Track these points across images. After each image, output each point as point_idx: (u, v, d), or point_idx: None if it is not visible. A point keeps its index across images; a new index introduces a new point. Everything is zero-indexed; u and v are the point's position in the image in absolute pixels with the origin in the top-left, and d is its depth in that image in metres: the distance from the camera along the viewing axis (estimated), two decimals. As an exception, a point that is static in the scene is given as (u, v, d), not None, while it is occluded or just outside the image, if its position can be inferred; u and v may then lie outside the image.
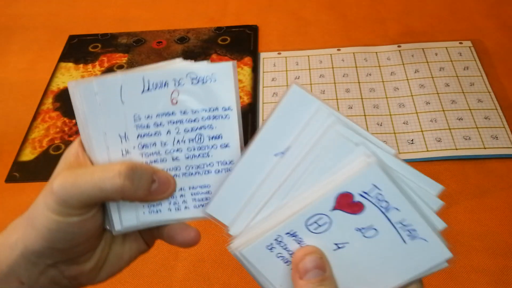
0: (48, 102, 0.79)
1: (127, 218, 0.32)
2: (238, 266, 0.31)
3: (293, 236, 0.29)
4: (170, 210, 0.33)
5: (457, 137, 0.67)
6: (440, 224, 0.29)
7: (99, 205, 0.31)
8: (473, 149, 0.66)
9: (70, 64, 0.85)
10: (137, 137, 0.31)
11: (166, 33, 0.89)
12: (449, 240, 0.59)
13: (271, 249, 0.29)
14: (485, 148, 0.66)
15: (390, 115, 0.72)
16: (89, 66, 0.84)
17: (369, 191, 0.28)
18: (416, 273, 0.29)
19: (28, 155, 0.72)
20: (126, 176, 0.28)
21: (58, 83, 0.82)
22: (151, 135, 0.32)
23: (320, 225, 0.29)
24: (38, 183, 0.68)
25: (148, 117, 0.31)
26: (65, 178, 0.29)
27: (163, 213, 0.33)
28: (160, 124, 0.31)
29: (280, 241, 0.29)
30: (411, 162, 0.65)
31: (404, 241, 0.28)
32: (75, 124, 0.75)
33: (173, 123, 0.32)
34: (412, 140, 0.68)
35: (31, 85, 0.82)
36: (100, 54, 0.86)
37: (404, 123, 0.70)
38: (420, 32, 0.84)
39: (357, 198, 0.28)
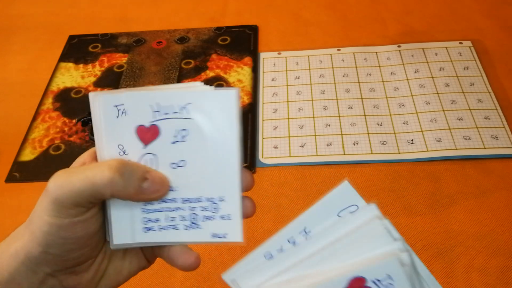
0: (48, 102, 0.79)
1: (124, 234, 0.32)
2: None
3: None
4: (169, 230, 0.32)
5: (457, 137, 0.67)
6: None
7: (92, 211, 0.30)
8: (473, 149, 0.66)
9: (70, 64, 0.85)
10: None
11: (166, 33, 0.89)
12: (449, 240, 0.60)
13: None
14: (485, 148, 0.66)
15: (390, 115, 0.72)
16: (89, 66, 0.84)
17: (382, 279, 0.29)
18: None
19: (28, 155, 0.72)
20: (117, 170, 0.29)
21: (58, 83, 0.82)
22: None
23: None
24: (38, 183, 0.68)
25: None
26: (58, 176, 0.29)
27: (161, 233, 0.32)
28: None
29: None
30: (411, 162, 0.65)
31: None
32: (75, 124, 0.75)
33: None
34: (412, 140, 0.68)
35: (31, 85, 0.82)
36: (100, 54, 0.86)
37: (404, 123, 0.70)
38: (420, 32, 0.84)
39: (369, 283, 0.29)
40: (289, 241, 0.31)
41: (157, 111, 0.31)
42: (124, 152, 0.32)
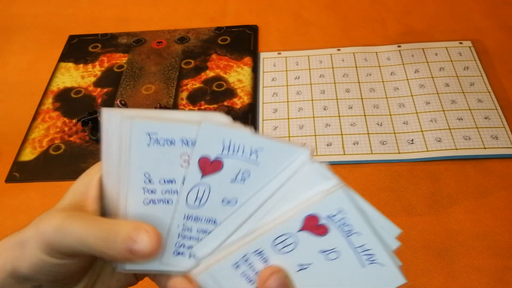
0: (48, 102, 0.79)
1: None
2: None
3: (260, 254, 0.30)
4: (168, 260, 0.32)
5: (457, 137, 0.67)
6: (397, 261, 0.31)
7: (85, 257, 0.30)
8: (473, 149, 0.66)
9: (70, 64, 0.85)
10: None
11: (166, 33, 0.89)
12: (449, 240, 0.60)
13: (237, 267, 0.30)
14: (485, 148, 0.66)
15: (390, 115, 0.72)
16: (89, 66, 0.84)
17: (334, 214, 0.29)
18: None
19: (28, 155, 0.72)
20: (105, 238, 0.28)
21: (58, 83, 0.82)
22: None
23: (286, 245, 0.30)
24: (38, 183, 0.68)
25: None
26: (55, 225, 0.28)
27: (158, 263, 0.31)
28: None
29: (246, 259, 0.30)
30: (411, 162, 0.65)
31: (363, 265, 0.30)
32: (75, 124, 0.75)
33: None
34: (412, 140, 0.68)
35: (31, 85, 0.82)
36: (100, 54, 0.86)
37: (404, 123, 0.70)
38: (420, 32, 0.84)
39: (323, 221, 0.29)
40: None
41: (227, 147, 0.30)
42: (150, 181, 0.31)
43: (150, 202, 0.31)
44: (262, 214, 0.30)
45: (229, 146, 0.30)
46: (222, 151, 0.30)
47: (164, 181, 0.31)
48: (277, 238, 0.30)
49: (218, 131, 0.30)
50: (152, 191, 0.31)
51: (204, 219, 0.31)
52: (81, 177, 0.32)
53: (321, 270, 0.30)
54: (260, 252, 0.30)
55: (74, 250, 0.29)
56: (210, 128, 0.30)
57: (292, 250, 0.30)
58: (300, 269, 0.30)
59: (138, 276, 0.35)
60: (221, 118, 0.31)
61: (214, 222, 0.31)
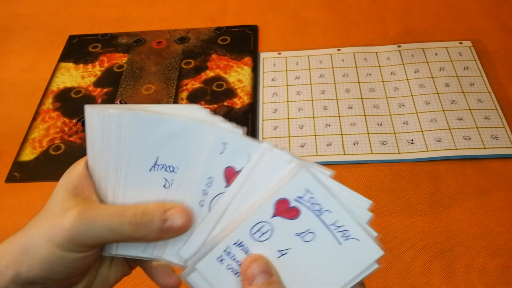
0: (48, 102, 0.79)
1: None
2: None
3: (240, 246, 0.31)
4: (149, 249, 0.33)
5: (457, 137, 0.67)
6: (372, 232, 0.31)
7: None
8: (473, 149, 0.66)
9: (70, 64, 0.85)
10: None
11: (166, 33, 0.89)
12: (449, 240, 0.59)
13: (221, 261, 0.31)
14: (485, 148, 0.66)
15: (390, 115, 0.72)
16: (89, 66, 0.84)
17: (302, 195, 0.30)
18: (354, 273, 0.30)
19: (28, 155, 0.72)
20: (136, 224, 0.29)
21: (58, 83, 0.82)
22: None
23: (263, 233, 0.30)
24: (38, 183, 0.68)
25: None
26: (80, 218, 0.29)
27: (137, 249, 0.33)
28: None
29: (228, 252, 0.31)
30: (411, 162, 0.65)
31: (339, 242, 0.30)
32: (75, 124, 0.75)
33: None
34: (412, 140, 0.68)
35: (31, 85, 0.82)
36: (100, 54, 0.86)
37: (404, 123, 0.70)
38: (420, 32, 0.84)
39: (293, 203, 0.30)
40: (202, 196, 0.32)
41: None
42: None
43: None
44: (235, 207, 0.31)
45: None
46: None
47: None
48: (253, 227, 0.30)
49: (243, 143, 0.31)
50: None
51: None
52: (64, 176, 0.33)
53: (300, 253, 0.30)
54: (240, 243, 0.30)
55: (101, 239, 0.29)
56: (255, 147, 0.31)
57: (269, 237, 0.30)
58: (281, 255, 0.31)
59: (131, 265, 0.36)
60: (200, 112, 0.32)
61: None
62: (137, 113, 0.31)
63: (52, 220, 0.29)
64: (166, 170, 0.32)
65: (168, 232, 0.30)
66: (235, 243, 0.30)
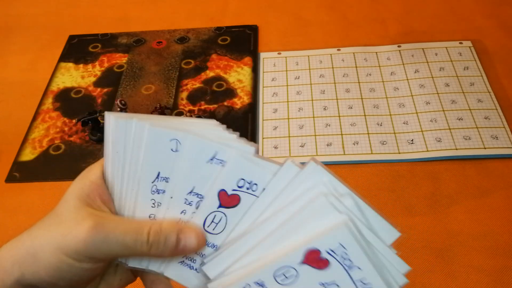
0: (48, 102, 0.79)
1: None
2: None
3: (261, 286, 0.30)
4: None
5: (457, 137, 0.67)
6: None
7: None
8: (473, 149, 0.66)
9: (70, 64, 0.85)
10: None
11: (166, 33, 0.89)
12: (449, 240, 0.59)
13: None
14: (485, 148, 0.66)
15: (390, 115, 0.72)
16: (89, 66, 0.84)
17: (335, 249, 0.29)
18: None
19: (28, 155, 0.72)
20: (152, 243, 0.30)
21: (58, 83, 0.82)
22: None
23: (287, 277, 0.30)
24: (38, 183, 0.68)
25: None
26: (96, 230, 0.29)
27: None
28: None
29: None
30: (411, 162, 0.65)
31: None
32: (75, 124, 0.75)
33: None
34: (412, 140, 0.68)
35: (31, 85, 0.82)
36: (100, 54, 0.86)
37: (404, 123, 0.70)
38: (420, 32, 0.84)
39: (324, 254, 0.29)
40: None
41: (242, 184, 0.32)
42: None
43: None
44: (272, 240, 0.30)
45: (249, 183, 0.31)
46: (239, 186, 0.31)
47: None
48: (277, 270, 0.30)
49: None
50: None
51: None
52: (76, 182, 0.32)
53: None
54: (261, 283, 0.30)
55: (114, 254, 0.30)
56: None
57: (292, 283, 0.30)
58: None
59: (136, 273, 0.36)
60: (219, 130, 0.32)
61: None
62: (168, 131, 0.31)
63: (63, 228, 0.29)
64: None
65: (182, 252, 0.31)
66: (256, 282, 0.30)
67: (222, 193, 0.31)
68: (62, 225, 0.29)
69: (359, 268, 0.29)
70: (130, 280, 0.36)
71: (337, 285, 0.30)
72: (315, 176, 0.30)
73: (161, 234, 0.30)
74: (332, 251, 0.29)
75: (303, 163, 0.31)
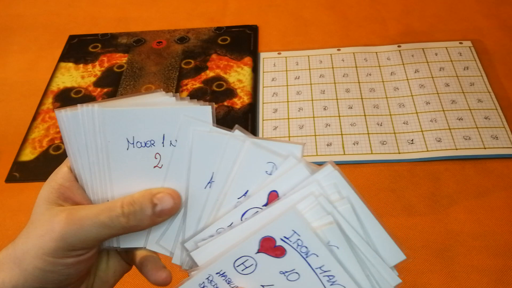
0: (48, 102, 0.79)
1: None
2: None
3: (223, 276, 0.31)
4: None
5: (457, 137, 0.67)
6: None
7: (96, 247, 0.31)
8: (473, 149, 0.66)
9: (70, 64, 0.85)
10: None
11: (166, 33, 0.89)
12: (449, 240, 0.59)
13: (203, 287, 0.31)
14: (485, 148, 0.66)
15: (390, 115, 0.72)
16: (89, 66, 0.84)
17: (289, 236, 0.29)
18: None
19: (28, 155, 0.72)
20: (128, 213, 0.29)
21: (58, 83, 0.82)
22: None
23: (246, 267, 0.30)
24: (38, 183, 0.68)
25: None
26: (69, 220, 0.29)
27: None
28: None
29: (211, 280, 0.31)
30: (411, 162, 0.65)
31: (324, 286, 0.30)
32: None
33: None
34: (412, 140, 0.68)
35: (31, 85, 0.82)
36: (100, 54, 0.86)
37: (404, 123, 0.70)
38: (420, 32, 0.84)
39: (279, 242, 0.29)
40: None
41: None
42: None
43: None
44: (238, 232, 0.31)
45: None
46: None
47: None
48: (237, 260, 0.30)
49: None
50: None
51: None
52: (44, 187, 0.33)
53: None
54: (223, 273, 0.30)
55: (94, 238, 0.29)
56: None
57: (252, 271, 0.30)
58: None
59: (129, 262, 0.36)
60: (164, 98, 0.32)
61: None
62: (114, 110, 0.31)
63: (40, 230, 0.29)
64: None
65: (160, 215, 0.31)
66: (217, 273, 0.30)
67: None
68: (38, 228, 0.29)
69: (315, 255, 0.29)
70: (124, 269, 0.36)
71: (297, 273, 0.30)
72: (327, 179, 0.30)
73: (135, 204, 0.30)
74: (287, 238, 0.29)
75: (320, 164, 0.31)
